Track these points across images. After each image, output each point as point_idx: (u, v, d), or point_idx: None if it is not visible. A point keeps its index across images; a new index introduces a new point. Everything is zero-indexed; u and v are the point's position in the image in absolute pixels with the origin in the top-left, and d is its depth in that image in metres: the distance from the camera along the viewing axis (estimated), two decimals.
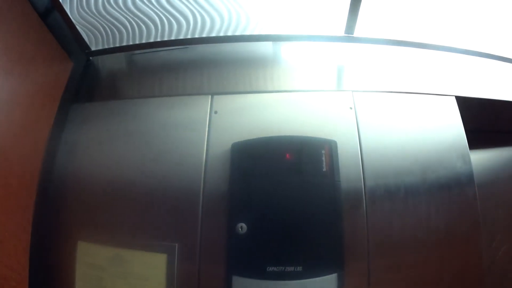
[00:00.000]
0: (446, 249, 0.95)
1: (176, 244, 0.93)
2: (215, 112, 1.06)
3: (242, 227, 0.91)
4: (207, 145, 1.01)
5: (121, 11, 1.10)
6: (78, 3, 1.07)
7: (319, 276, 0.89)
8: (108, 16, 1.12)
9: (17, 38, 0.95)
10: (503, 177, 1.26)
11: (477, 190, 0.99)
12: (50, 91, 1.09)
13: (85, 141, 1.07)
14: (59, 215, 1.01)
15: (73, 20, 1.10)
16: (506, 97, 1.19)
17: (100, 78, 1.24)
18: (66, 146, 1.07)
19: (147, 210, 0.97)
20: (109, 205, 0.99)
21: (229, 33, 1.18)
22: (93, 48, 1.22)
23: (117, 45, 1.21)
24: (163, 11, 1.11)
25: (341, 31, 1.18)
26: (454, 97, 1.11)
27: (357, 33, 1.18)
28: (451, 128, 1.05)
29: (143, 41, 1.20)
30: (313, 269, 0.89)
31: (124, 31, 1.17)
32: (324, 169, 0.95)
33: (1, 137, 0.89)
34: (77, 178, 1.03)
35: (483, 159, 1.26)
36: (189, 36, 1.19)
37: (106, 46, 1.22)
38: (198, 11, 1.11)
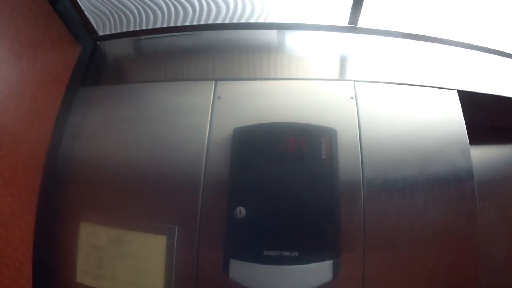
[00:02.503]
0: (442, 244, 0.95)
1: (176, 227, 0.95)
2: (218, 98, 1.07)
3: (241, 211, 0.92)
4: (210, 129, 1.03)
5: None
6: None
7: (314, 262, 0.90)
8: (115, 2, 1.13)
9: (26, 23, 0.97)
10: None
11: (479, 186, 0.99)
12: (58, 75, 1.11)
13: (90, 124, 1.10)
14: (64, 196, 1.03)
15: (81, 6, 1.12)
16: (510, 93, 1.18)
17: (107, 62, 1.26)
18: (71, 129, 1.09)
19: (148, 193, 0.99)
20: (111, 187, 1.02)
21: (234, 21, 1.19)
22: (100, 33, 1.24)
23: (124, 30, 1.23)
24: None
25: (345, 22, 1.19)
26: (456, 91, 1.10)
27: (361, 24, 1.18)
28: (452, 122, 1.05)
29: (150, 27, 1.22)
30: (308, 255, 0.90)
31: (131, 16, 1.18)
32: (323, 157, 0.96)
33: (9, 121, 0.92)
34: (82, 160, 1.06)
35: (484, 155, 1.26)
36: (195, 23, 1.20)
37: (113, 31, 1.24)
38: None
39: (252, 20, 1.19)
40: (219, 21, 1.19)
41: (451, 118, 1.06)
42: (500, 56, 1.28)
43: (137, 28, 1.22)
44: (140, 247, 0.96)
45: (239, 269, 0.91)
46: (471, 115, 1.07)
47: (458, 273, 0.95)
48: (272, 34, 1.23)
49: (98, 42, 1.26)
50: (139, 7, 1.15)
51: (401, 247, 0.94)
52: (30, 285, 0.98)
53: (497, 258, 1.19)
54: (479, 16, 1.20)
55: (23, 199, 0.96)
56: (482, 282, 0.98)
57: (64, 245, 1.01)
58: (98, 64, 1.24)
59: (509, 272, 1.18)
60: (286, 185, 0.94)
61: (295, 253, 0.90)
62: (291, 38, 1.24)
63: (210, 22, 1.20)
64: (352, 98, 1.06)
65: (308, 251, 0.91)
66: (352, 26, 1.19)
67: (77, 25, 1.17)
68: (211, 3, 1.13)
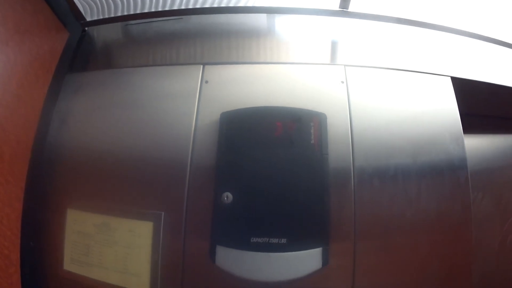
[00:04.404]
0: (435, 233, 0.94)
1: (163, 213, 0.93)
2: (206, 82, 1.06)
3: (228, 197, 0.90)
4: (197, 114, 1.01)
5: None
6: None
7: (303, 249, 0.88)
8: None
9: (13, 9, 0.96)
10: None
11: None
12: (46, 61, 1.10)
13: (78, 111, 1.08)
14: (51, 183, 1.02)
15: None
16: (504, 81, 1.16)
17: (95, 48, 1.25)
18: (59, 115, 1.08)
19: (135, 179, 0.97)
20: (98, 173, 1.00)
21: (223, 5, 1.18)
22: (88, 19, 1.22)
23: (112, 15, 1.21)
24: None
25: (335, 5, 1.17)
26: (449, 77, 1.08)
27: (351, 8, 1.17)
28: (446, 110, 1.03)
29: (138, 12, 1.20)
30: (297, 242, 0.88)
31: (119, 1, 1.17)
32: (312, 141, 0.94)
33: None
34: (69, 147, 1.05)
35: (478, 144, 1.25)
36: (183, 7, 1.19)
37: (101, 17, 1.22)
38: None
39: (241, 4, 1.18)
40: (207, 5, 1.18)
41: (445, 105, 1.04)
42: (495, 44, 1.27)
43: (125, 13, 1.21)
44: (126, 234, 0.94)
45: (225, 256, 0.89)
46: (465, 103, 1.05)
47: (451, 262, 0.93)
48: (261, 18, 1.21)
49: (86, 28, 1.25)
50: None
51: (393, 235, 0.92)
52: (19, 273, 0.97)
53: (490, 247, 1.18)
54: (473, 2, 1.18)
55: (10, 186, 0.95)
56: (476, 270, 0.97)
57: (51, 232, 1.00)
58: (86, 50, 1.22)
59: (502, 261, 1.17)
60: (274, 171, 0.92)
61: (283, 240, 0.88)
62: (280, 22, 1.22)
63: (198, 6, 1.18)
64: (342, 82, 1.04)
65: (297, 238, 0.89)
66: (343, 10, 1.18)
67: (65, 11, 1.16)
68: None
